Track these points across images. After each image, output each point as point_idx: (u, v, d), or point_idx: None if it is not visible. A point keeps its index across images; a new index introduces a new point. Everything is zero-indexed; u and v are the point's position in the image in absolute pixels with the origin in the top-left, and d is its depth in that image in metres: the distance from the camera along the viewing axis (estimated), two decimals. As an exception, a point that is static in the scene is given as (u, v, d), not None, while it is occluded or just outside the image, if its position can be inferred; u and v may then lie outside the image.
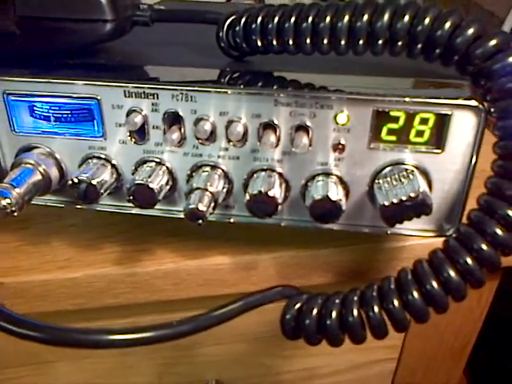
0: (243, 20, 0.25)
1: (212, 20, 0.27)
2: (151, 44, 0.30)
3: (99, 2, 0.25)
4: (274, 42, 0.25)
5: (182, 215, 0.28)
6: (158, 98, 0.24)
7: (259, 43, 0.25)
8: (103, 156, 0.26)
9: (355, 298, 0.23)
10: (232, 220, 0.28)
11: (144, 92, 0.24)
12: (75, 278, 0.30)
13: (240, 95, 0.24)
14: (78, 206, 0.29)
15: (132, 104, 0.25)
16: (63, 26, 0.25)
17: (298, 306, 0.24)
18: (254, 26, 0.25)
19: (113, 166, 0.26)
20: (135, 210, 0.28)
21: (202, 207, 0.24)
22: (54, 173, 0.26)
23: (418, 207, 0.23)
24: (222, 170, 0.26)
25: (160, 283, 0.31)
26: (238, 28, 0.26)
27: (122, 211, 0.29)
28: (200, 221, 0.24)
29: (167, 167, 0.26)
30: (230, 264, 0.31)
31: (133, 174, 0.26)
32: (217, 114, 0.24)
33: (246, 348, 0.41)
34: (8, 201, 0.24)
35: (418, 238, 0.27)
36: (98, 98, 0.25)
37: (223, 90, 0.24)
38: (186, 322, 0.20)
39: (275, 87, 0.24)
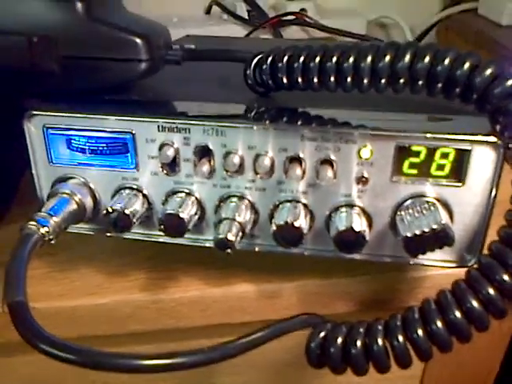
0: (270, 59, 0.27)
1: (240, 59, 0.28)
2: (182, 81, 0.32)
3: (136, 44, 0.26)
4: (300, 80, 0.26)
5: (208, 244, 0.29)
6: (189, 133, 0.26)
7: (285, 80, 0.27)
8: (135, 186, 0.28)
9: (379, 328, 0.24)
10: (257, 249, 0.29)
11: (177, 127, 0.26)
12: (104, 305, 0.31)
13: (268, 130, 0.25)
14: (109, 234, 0.30)
15: (164, 138, 0.26)
16: (102, 64, 0.26)
17: (322, 334, 0.25)
18: (280, 64, 0.26)
19: (144, 196, 0.28)
20: (163, 239, 0.29)
21: (231, 237, 0.25)
22: (89, 202, 0.28)
23: (440, 239, 0.23)
24: (249, 201, 0.27)
25: (185, 310, 0.32)
26: (264, 66, 0.27)
27: (150, 239, 0.30)
28: (229, 250, 0.25)
29: (196, 198, 0.27)
30: (253, 292, 0.32)
31: (163, 204, 0.28)
32: (245, 148, 0.26)
33: (264, 377, 0.41)
34: (46, 229, 0.25)
35: (439, 268, 0.28)
36: (133, 132, 0.26)
37: (251, 126, 0.25)
38: (217, 348, 0.21)
39: (301, 123, 0.25)
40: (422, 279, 0.32)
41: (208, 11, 0.73)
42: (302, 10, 0.70)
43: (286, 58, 0.26)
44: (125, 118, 0.26)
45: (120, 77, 0.27)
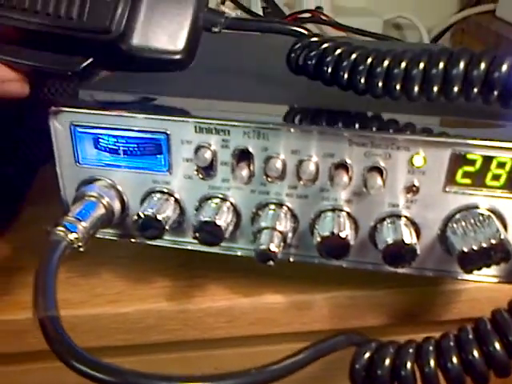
0: (323, 46, 0.25)
1: (285, 31, 0.27)
2: (219, 72, 0.30)
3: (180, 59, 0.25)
4: (345, 78, 0.24)
5: (240, 252, 0.28)
6: (228, 135, 0.24)
7: (329, 72, 0.25)
8: (166, 190, 0.26)
9: (431, 348, 0.22)
10: (292, 259, 0.27)
11: (215, 128, 0.24)
12: (126, 314, 0.30)
13: (313, 134, 0.23)
14: (133, 240, 0.29)
15: (201, 139, 0.24)
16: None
17: (368, 355, 0.23)
18: (329, 58, 0.25)
19: (176, 200, 0.26)
20: (192, 246, 0.28)
21: (273, 247, 0.23)
22: (117, 206, 0.26)
23: (498, 254, 0.22)
24: (289, 209, 0.25)
25: (212, 321, 0.30)
26: (314, 52, 0.25)
27: (179, 246, 0.28)
28: (271, 262, 0.23)
29: (232, 204, 0.26)
30: (283, 303, 0.30)
31: (196, 209, 0.26)
32: (288, 152, 0.24)
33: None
34: (75, 235, 0.23)
35: (475, 281, 0.26)
36: (168, 132, 0.25)
37: (296, 129, 0.23)
38: (264, 370, 0.19)
39: (350, 127, 0.23)
40: (457, 293, 0.31)
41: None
42: (318, 7, 0.68)
43: (337, 52, 0.25)
44: (160, 117, 0.24)
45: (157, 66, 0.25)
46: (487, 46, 0.69)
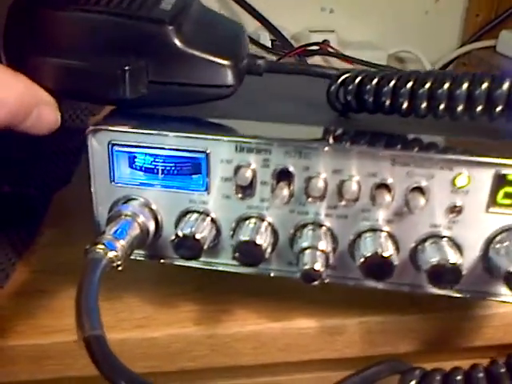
0: (358, 79, 0.25)
1: (324, 74, 0.27)
2: (258, 97, 0.30)
3: (226, 72, 0.25)
4: (387, 103, 0.25)
5: (273, 273, 0.27)
6: (270, 154, 0.24)
7: (371, 102, 0.25)
8: (203, 210, 0.26)
9: (480, 375, 0.22)
10: (327, 280, 0.27)
11: (256, 147, 0.24)
12: (154, 339, 0.29)
13: (355, 154, 0.23)
14: (162, 261, 0.28)
15: (242, 159, 0.24)
16: (188, 90, 0.25)
17: (413, 383, 0.22)
18: (368, 86, 0.25)
19: (212, 220, 0.26)
20: (223, 267, 0.27)
21: (318, 267, 0.23)
22: (151, 226, 0.26)
23: (545, 275, 0.22)
24: (328, 229, 0.25)
25: (239, 346, 0.30)
26: (351, 86, 0.26)
27: (210, 267, 0.27)
28: (315, 282, 0.23)
29: (270, 223, 0.25)
30: (314, 328, 0.30)
31: (233, 230, 0.25)
32: (329, 172, 0.24)
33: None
34: (114, 253, 0.23)
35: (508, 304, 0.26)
36: (208, 151, 0.24)
37: (338, 149, 0.23)
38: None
39: (393, 147, 0.23)
40: (489, 317, 0.31)
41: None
42: (325, 41, 0.70)
43: (375, 80, 0.25)
44: (200, 136, 0.24)
45: (204, 100, 0.26)
46: None
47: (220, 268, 0.27)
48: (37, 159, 0.38)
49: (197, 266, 0.27)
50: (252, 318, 0.29)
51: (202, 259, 0.27)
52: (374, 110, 0.25)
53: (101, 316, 0.20)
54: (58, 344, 0.28)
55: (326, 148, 0.24)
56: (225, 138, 0.24)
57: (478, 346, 0.31)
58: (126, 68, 0.24)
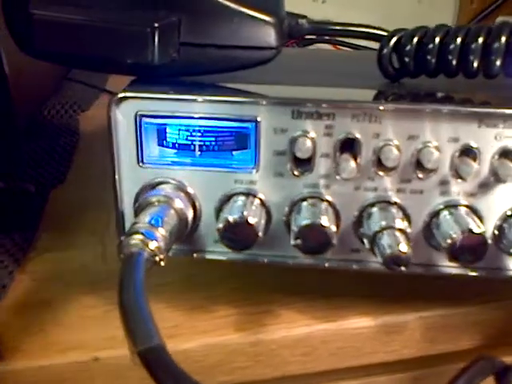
0: (416, 39, 0.22)
1: (377, 36, 0.24)
2: (293, 68, 0.27)
3: (270, 31, 0.21)
4: (454, 63, 0.21)
5: (328, 264, 0.23)
6: (334, 119, 0.20)
7: (433, 63, 0.22)
8: (252, 192, 0.21)
9: None
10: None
11: (317, 112, 0.20)
12: (188, 350, 0.24)
13: (437, 114, 0.20)
14: (195, 255, 0.24)
15: (299, 127, 0.20)
16: (226, 53, 0.21)
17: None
18: (431, 45, 0.22)
19: (262, 203, 0.22)
20: (268, 259, 0.23)
21: (404, 248, 0.19)
22: (190, 214, 0.21)
23: None
24: (400, 207, 0.21)
25: (286, 354, 0.25)
26: (408, 47, 0.22)
27: (253, 260, 0.23)
28: (403, 267, 0.19)
29: (330, 204, 0.21)
30: (370, 327, 0.26)
31: (288, 213, 0.21)
32: (404, 138, 0.20)
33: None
34: (156, 244, 0.18)
35: None
36: (258, 120, 0.20)
37: (417, 109, 0.20)
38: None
39: (480, 106, 0.20)
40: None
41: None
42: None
43: (437, 39, 0.21)
44: (249, 100, 0.20)
45: (244, 65, 0.22)
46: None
47: (265, 260, 0.23)
48: (30, 156, 0.33)
49: (239, 258, 0.23)
50: (300, 320, 0.25)
51: (247, 251, 0.23)
52: (434, 73, 0.22)
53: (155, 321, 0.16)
54: (74, 364, 0.24)
55: (402, 109, 0.20)
56: (280, 102, 0.20)
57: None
58: (156, 25, 0.20)
